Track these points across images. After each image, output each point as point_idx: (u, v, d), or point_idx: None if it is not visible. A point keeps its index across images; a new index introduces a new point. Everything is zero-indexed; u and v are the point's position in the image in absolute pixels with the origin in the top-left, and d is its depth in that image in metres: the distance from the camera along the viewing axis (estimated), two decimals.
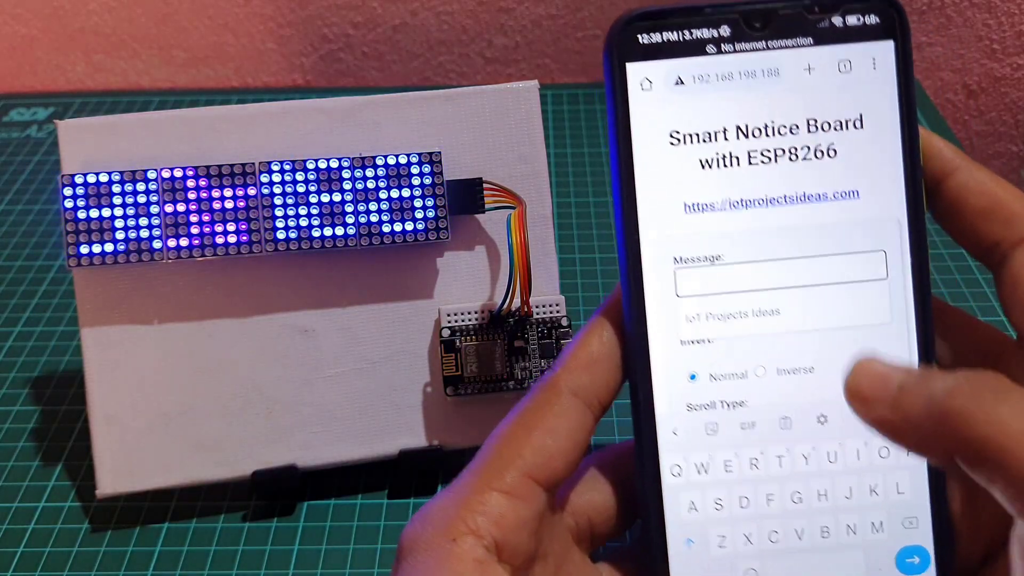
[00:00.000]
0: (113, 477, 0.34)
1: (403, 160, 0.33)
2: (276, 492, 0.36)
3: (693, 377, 0.25)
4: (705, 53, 0.24)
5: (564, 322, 0.34)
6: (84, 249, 0.33)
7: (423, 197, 0.33)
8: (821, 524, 0.25)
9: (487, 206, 0.34)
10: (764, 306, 0.25)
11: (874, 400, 0.20)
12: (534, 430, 0.24)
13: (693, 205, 0.25)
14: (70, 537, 0.35)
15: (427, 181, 0.33)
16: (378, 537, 0.35)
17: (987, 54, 0.64)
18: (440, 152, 0.34)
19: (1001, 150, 0.69)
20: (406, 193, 0.33)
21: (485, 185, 0.34)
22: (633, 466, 0.26)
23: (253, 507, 0.36)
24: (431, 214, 0.33)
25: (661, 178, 0.24)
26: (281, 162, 0.33)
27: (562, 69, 0.67)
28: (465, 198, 0.34)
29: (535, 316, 0.34)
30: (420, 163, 0.33)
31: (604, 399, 0.25)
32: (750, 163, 0.25)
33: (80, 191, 0.32)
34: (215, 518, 0.36)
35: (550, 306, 0.34)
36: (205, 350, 0.34)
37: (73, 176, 0.33)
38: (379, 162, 0.33)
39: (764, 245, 0.25)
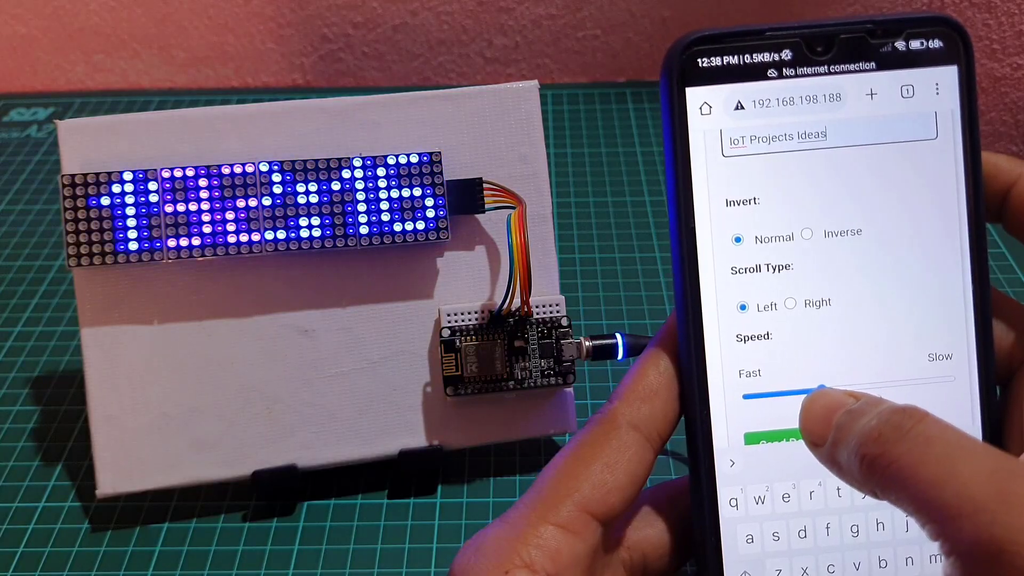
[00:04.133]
0: (113, 477, 0.34)
1: (403, 160, 0.33)
2: (276, 492, 0.36)
3: (749, 400, 0.25)
4: (766, 78, 0.24)
5: (564, 322, 0.34)
6: (84, 249, 0.33)
7: (423, 197, 0.33)
8: (879, 556, 0.25)
9: (487, 206, 0.34)
10: (823, 328, 0.24)
11: (819, 441, 0.22)
12: (592, 463, 0.24)
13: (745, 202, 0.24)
14: (70, 537, 0.35)
15: (427, 181, 0.33)
16: (378, 537, 0.35)
17: (987, 54, 0.64)
18: (440, 152, 0.34)
19: (1001, 150, 0.69)
20: (406, 193, 0.33)
21: (485, 185, 0.34)
22: (688, 501, 0.25)
23: (253, 507, 0.36)
24: (431, 214, 0.33)
25: (720, 203, 0.24)
26: (280, 162, 0.33)
27: (562, 69, 0.67)
28: (465, 198, 0.34)
29: (535, 316, 0.34)
30: (420, 163, 0.33)
31: (663, 431, 0.25)
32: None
33: (80, 191, 0.32)
34: (215, 518, 0.36)
35: (550, 306, 0.34)
36: (205, 350, 0.34)
37: (73, 176, 0.33)
38: (379, 162, 0.33)
39: (823, 266, 0.24)
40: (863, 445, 0.20)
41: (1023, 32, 0.63)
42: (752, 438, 0.25)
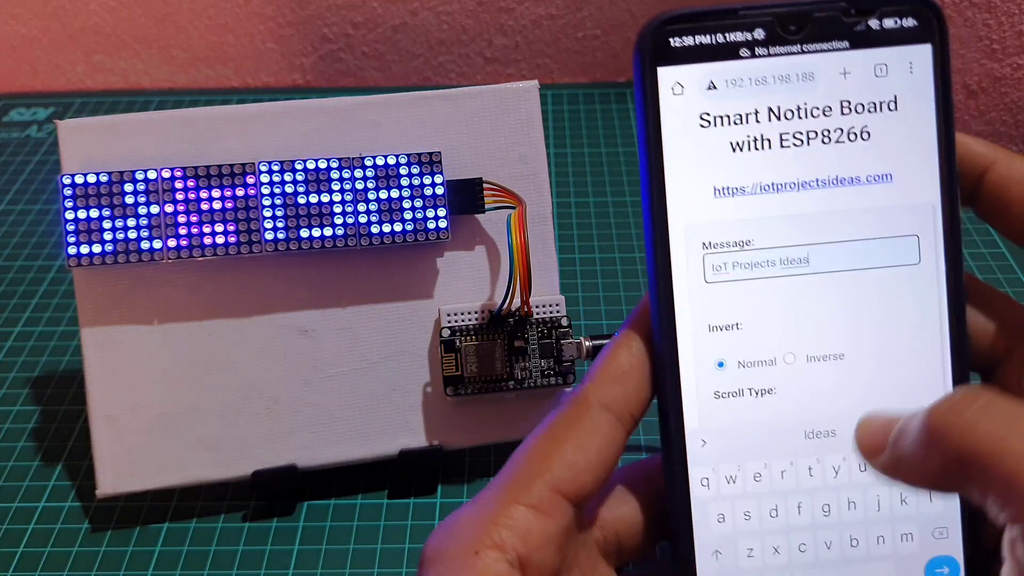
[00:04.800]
0: (113, 477, 0.34)
1: (403, 160, 0.33)
2: (276, 492, 0.36)
3: (721, 365, 0.24)
4: (739, 57, 0.24)
5: (564, 322, 0.34)
6: (84, 249, 0.33)
7: (423, 197, 0.33)
8: (850, 535, 0.25)
9: (487, 206, 0.34)
10: (793, 291, 0.24)
11: (879, 449, 0.21)
12: (563, 444, 0.24)
13: (723, 189, 0.24)
14: (70, 537, 0.35)
15: (427, 181, 0.33)
16: (378, 537, 0.35)
17: (987, 54, 0.64)
18: (440, 152, 0.34)
19: None
20: (406, 193, 0.33)
21: (485, 185, 0.34)
22: (661, 481, 0.25)
23: (253, 507, 0.36)
24: (431, 214, 0.33)
25: (691, 166, 0.24)
26: (281, 162, 0.33)
27: (562, 69, 0.67)
28: (465, 198, 0.34)
29: (535, 316, 0.34)
30: (420, 163, 0.33)
31: (636, 412, 0.25)
32: (782, 146, 0.24)
33: (80, 191, 0.32)
34: (215, 518, 0.36)
35: (550, 306, 0.34)
36: (205, 350, 0.34)
37: (73, 176, 0.33)
38: (379, 162, 0.33)
39: (795, 229, 0.24)
40: (933, 416, 0.19)
41: (1023, 32, 0.63)
42: (722, 394, 0.24)
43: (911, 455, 0.20)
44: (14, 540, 0.35)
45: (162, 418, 0.34)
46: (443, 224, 0.33)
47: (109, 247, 0.33)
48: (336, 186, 0.33)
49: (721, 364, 0.24)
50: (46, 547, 0.35)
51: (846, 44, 0.24)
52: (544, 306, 0.34)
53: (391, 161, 0.33)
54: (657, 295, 0.24)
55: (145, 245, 0.33)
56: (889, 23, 0.24)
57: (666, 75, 0.24)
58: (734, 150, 0.24)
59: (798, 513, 0.24)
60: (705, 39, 0.24)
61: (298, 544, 0.35)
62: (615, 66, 0.67)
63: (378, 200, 0.33)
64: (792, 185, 0.24)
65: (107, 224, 0.33)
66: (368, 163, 0.33)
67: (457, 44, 0.66)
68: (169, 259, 0.33)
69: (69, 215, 0.32)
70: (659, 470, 0.26)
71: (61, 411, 0.40)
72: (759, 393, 0.24)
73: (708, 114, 0.24)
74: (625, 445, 0.25)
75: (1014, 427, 0.18)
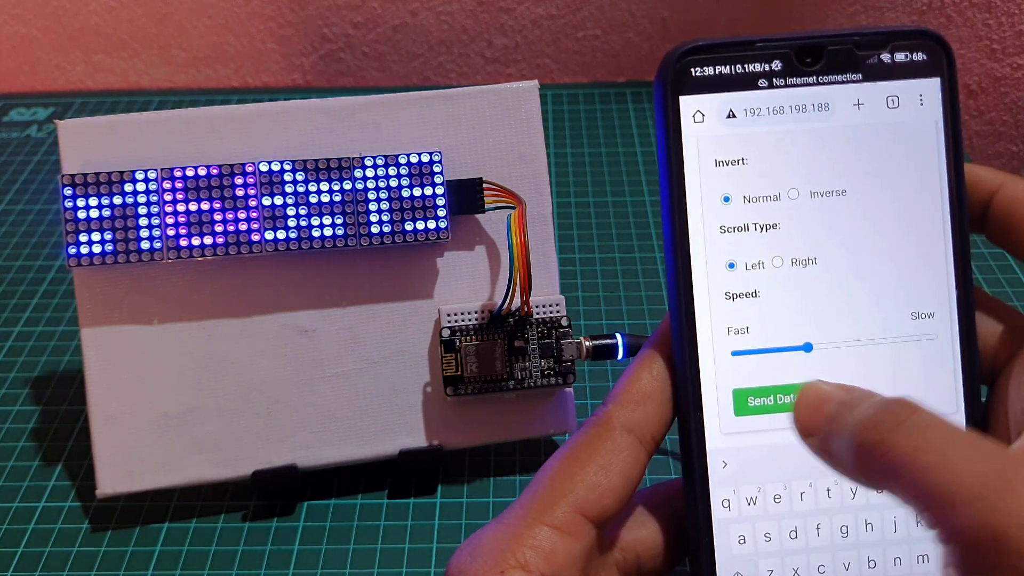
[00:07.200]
0: (113, 477, 0.34)
1: (403, 160, 0.33)
2: (276, 492, 0.36)
3: (743, 386, 0.25)
4: (757, 87, 0.25)
5: (564, 322, 0.34)
6: (84, 249, 0.33)
7: (423, 197, 0.33)
8: (868, 556, 0.25)
9: (487, 206, 0.34)
10: (811, 317, 0.25)
11: (812, 431, 0.22)
12: (587, 465, 0.24)
13: (743, 226, 0.25)
14: (70, 537, 0.35)
15: (427, 181, 0.33)
16: (378, 537, 0.35)
17: (987, 54, 0.64)
18: (440, 152, 0.34)
19: (1001, 150, 0.69)
20: (406, 193, 0.33)
21: (485, 185, 0.34)
22: (681, 503, 0.26)
23: (253, 507, 0.36)
24: (431, 214, 0.33)
25: (712, 205, 0.25)
26: (280, 162, 0.33)
27: (562, 69, 0.67)
28: (465, 198, 0.34)
29: (535, 316, 0.34)
30: (420, 163, 0.33)
31: (657, 434, 0.25)
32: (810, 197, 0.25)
33: (80, 191, 0.32)
34: (215, 518, 0.36)
35: (550, 306, 0.34)
36: (205, 350, 0.34)
37: (73, 176, 0.33)
38: (379, 162, 0.33)
39: (813, 244, 0.25)
40: (860, 433, 0.20)
41: (1023, 32, 0.63)
42: (741, 406, 0.25)
43: (839, 456, 0.21)
44: (14, 540, 0.35)
45: (162, 418, 0.34)
46: (443, 224, 0.33)
47: (109, 247, 0.33)
48: (336, 186, 0.33)
49: (743, 385, 0.25)
50: (46, 547, 0.35)
51: (859, 76, 0.25)
52: (544, 306, 0.34)
53: (391, 161, 0.33)
54: (678, 317, 0.24)
55: (145, 245, 0.33)
56: (900, 57, 0.25)
57: (688, 104, 0.25)
58: (753, 175, 0.25)
59: (817, 534, 0.25)
60: (725, 69, 0.25)
61: (298, 544, 0.35)
62: (615, 66, 0.67)
63: (378, 200, 0.33)
64: (809, 226, 0.25)
65: (107, 224, 0.33)
66: (368, 163, 0.33)
67: (457, 44, 0.66)
68: (169, 259, 0.33)
69: (69, 215, 0.32)
70: (678, 492, 0.26)
71: (61, 411, 0.40)
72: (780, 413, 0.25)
73: (728, 141, 0.25)
74: (647, 466, 0.25)
75: (927, 442, 0.19)
